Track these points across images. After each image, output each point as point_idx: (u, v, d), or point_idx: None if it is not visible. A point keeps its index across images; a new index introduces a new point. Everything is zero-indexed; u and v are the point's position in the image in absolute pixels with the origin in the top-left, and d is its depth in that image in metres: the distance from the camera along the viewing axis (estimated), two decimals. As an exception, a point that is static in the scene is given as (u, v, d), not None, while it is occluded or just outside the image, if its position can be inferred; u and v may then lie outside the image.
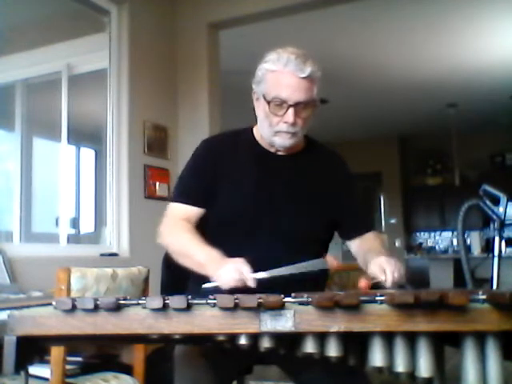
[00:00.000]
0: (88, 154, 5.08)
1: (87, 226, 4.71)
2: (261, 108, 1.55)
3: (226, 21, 4.26)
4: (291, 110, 1.48)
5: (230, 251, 1.41)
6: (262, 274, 1.34)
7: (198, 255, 1.45)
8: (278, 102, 1.49)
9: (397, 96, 7.19)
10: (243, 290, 1.27)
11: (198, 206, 1.58)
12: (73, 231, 4.34)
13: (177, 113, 4.21)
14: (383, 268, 1.40)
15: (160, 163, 3.94)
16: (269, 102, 1.50)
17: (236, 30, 4.41)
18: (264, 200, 1.56)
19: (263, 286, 1.28)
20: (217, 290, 1.28)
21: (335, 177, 1.67)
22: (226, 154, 1.61)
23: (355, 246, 1.68)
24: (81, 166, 4.95)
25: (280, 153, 1.61)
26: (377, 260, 1.44)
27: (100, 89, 3.81)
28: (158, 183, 3.88)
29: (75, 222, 4.43)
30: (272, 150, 1.61)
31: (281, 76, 1.49)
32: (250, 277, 1.31)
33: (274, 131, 1.53)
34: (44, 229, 4.51)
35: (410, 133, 9.33)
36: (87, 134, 4.77)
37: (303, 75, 1.47)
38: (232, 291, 1.25)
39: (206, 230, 1.57)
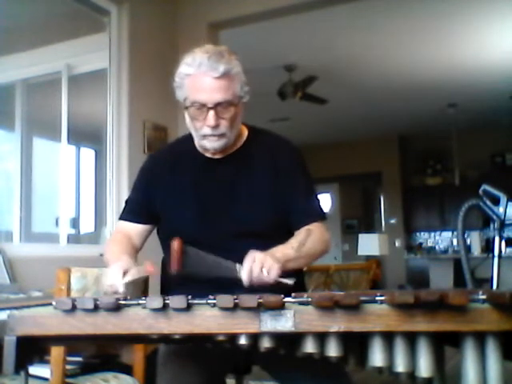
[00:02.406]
0: (88, 154, 5.08)
1: (87, 225, 4.71)
2: (186, 114, 1.51)
3: (226, 21, 4.26)
4: (211, 113, 1.43)
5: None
6: (127, 278, 1.34)
7: (109, 262, 1.49)
8: (197, 106, 1.44)
9: (397, 96, 7.19)
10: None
11: (140, 223, 1.62)
12: (73, 231, 4.34)
13: (177, 113, 4.21)
14: (245, 262, 1.34)
15: (160, 163, 3.94)
16: (188, 107, 1.46)
17: (236, 30, 4.41)
18: (204, 205, 1.55)
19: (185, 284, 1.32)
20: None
21: (278, 167, 1.58)
22: (165, 167, 1.62)
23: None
24: (81, 166, 4.95)
25: (216, 156, 1.56)
26: (248, 254, 1.36)
27: (100, 89, 3.81)
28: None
29: (75, 222, 4.43)
30: (208, 154, 1.57)
31: (196, 79, 1.44)
32: (119, 282, 1.32)
33: (200, 135, 1.50)
34: (44, 229, 4.52)
35: (409, 133, 9.34)
36: (87, 134, 4.77)
37: (217, 75, 1.42)
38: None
39: (164, 241, 1.58)
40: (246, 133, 1.62)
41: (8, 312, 1.09)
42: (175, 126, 4.17)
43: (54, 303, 1.07)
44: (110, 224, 3.67)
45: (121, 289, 1.30)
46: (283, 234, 1.52)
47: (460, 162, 8.46)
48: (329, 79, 6.31)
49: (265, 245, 1.42)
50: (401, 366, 1.01)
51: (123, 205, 1.72)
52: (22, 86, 4.26)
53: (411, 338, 1.02)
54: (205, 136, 1.49)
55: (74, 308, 1.06)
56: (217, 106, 1.44)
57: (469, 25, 5.15)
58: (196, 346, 1.39)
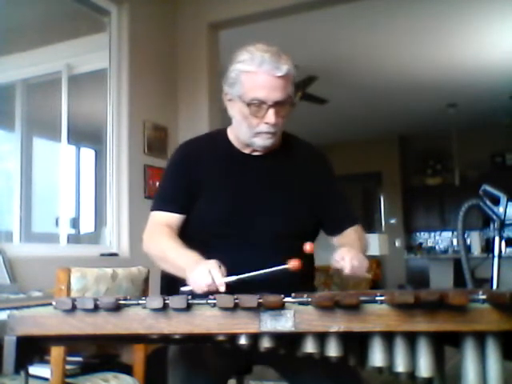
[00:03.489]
0: (88, 154, 5.07)
1: (87, 225, 4.71)
2: (236, 110, 1.52)
3: (226, 21, 4.26)
4: (272, 111, 1.46)
5: (211, 256, 1.39)
6: (230, 278, 1.31)
7: (178, 259, 1.43)
8: (257, 103, 1.46)
9: (397, 96, 7.19)
10: (216, 292, 1.25)
11: (178, 213, 1.56)
12: (73, 231, 4.34)
13: (177, 113, 4.21)
14: (342, 256, 1.40)
15: (160, 163, 3.94)
16: (248, 104, 1.47)
17: (236, 30, 4.41)
18: (241, 202, 1.54)
19: (236, 289, 1.24)
20: (193, 294, 1.24)
21: (314, 172, 1.64)
22: (202, 159, 1.59)
23: (336, 241, 1.66)
24: (81, 166, 4.94)
25: (256, 153, 1.58)
26: (339, 250, 1.44)
27: (100, 89, 3.81)
28: (158, 183, 3.88)
29: (75, 222, 4.43)
30: (247, 151, 1.59)
31: (256, 77, 1.45)
32: (221, 281, 1.28)
33: (254, 132, 1.50)
34: (44, 229, 4.51)
35: (409, 133, 9.34)
36: (87, 134, 4.76)
37: (280, 74, 1.44)
38: (207, 294, 1.22)
39: (186, 234, 1.55)
40: (281, 136, 1.64)
41: (8, 312, 1.09)
42: (175, 125, 4.17)
43: (53, 303, 1.07)
44: (110, 224, 3.67)
45: (223, 288, 1.27)
46: (311, 236, 1.59)
47: (460, 162, 8.46)
48: (329, 79, 6.31)
49: (294, 245, 1.46)
50: (401, 366, 1.01)
51: (154, 196, 1.66)
52: (22, 86, 4.26)
53: (411, 338, 1.02)
54: (259, 133, 1.50)
55: (74, 308, 1.06)
56: (276, 105, 1.46)
57: (469, 25, 5.14)
58: (207, 346, 1.38)
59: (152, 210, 1.60)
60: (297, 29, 4.86)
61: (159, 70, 4.09)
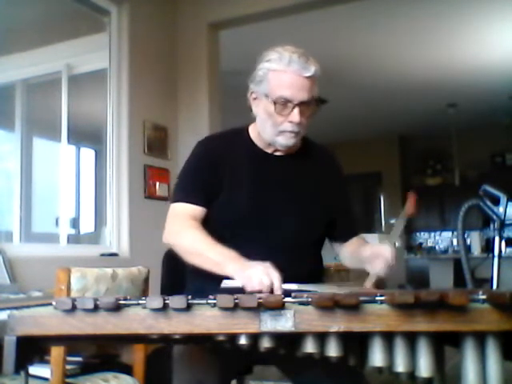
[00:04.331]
0: (88, 154, 5.07)
1: (87, 225, 4.71)
2: (261, 108, 1.54)
3: (226, 21, 4.26)
4: (297, 110, 1.48)
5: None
6: (291, 286, 1.28)
7: (213, 254, 1.41)
8: (283, 101, 1.47)
9: (397, 96, 7.19)
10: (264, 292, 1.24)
11: (201, 206, 1.54)
12: (73, 231, 4.33)
13: (177, 113, 4.21)
14: (378, 252, 1.45)
15: (160, 163, 3.94)
16: (274, 102, 1.48)
17: (236, 30, 4.41)
18: (264, 201, 1.55)
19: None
20: (236, 290, 1.22)
21: (331, 177, 1.68)
22: (224, 155, 1.59)
23: (342, 248, 1.69)
24: (81, 166, 4.94)
25: (277, 153, 1.60)
26: (368, 247, 1.49)
27: (100, 89, 3.81)
28: (158, 183, 3.88)
29: (75, 222, 4.42)
30: (269, 150, 1.60)
31: (284, 75, 1.48)
32: (279, 285, 1.27)
33: (278, 131, 1.52)
34: (44, 229, 4.51)
35: (410, 133, 9.33)
36: (87, 134, 4.76)
37: (308, 74, 1.47)
38: (252, 292, 1.22)
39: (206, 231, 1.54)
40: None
41: (8, 312, 1.09)
42: (175, 126, 4.17)
43: (54, 303, 1.07)
44: (110, 224, 3.67)
45: (279, 292, 1.26)
46: (320, 236, 1.65)
47: (460, 162, 8.46)
48: (329, 79, 6.31)
49: (303, 248, 1.54)
50: (401, 366, 1.01)
51: (175, 189, 1.63)
52: (22, 86, 4.26)
53: (411, 338, 1.02)
54: (282, 132, 1.52)
55: (74, 308, 1.06)
56: (301, 104, 1.48)
57: (469, 25, 5.14)
58: (211, 347, 1.38)
59: (174, 201, 1.58)
60: (297, 29, 4.86)
61: (159, 69, 4.09)
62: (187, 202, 1.55)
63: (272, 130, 1.53)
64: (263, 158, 1.60)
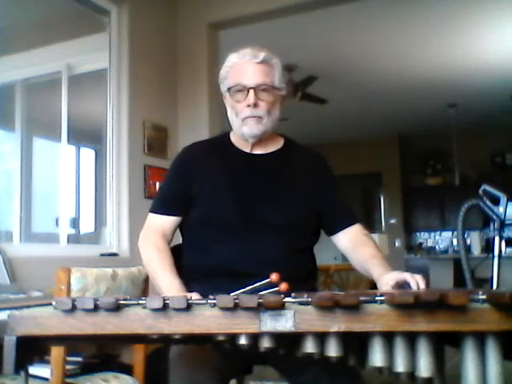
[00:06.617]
0: (88, 154, 5.07)
1: (87, 225, 4.71)
2: (229, 103, 1.61)
3: (226, 21, 4.26)
4: (251, 92, 1.54)
5: (217, 250, 1.50)
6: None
7: (160, 280, 1.51)
8: (239, 87, 1.56)
9: (397, 96, 7.19)
10: None
11: (174, 215, 1.63)
12: (73, 231, 4.33)
13: (177, 113, 4.21)
14: (404, 282, 1.39)
15: (160, 163, 3.94)
16: (230, 89, 1.58)
17: (236, 29, 4.41)
18: (241, 199, 1.58)
19: None
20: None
21: (313, 172, 1.68)
22: (203, 159, 1.65)
23: (343, 242, 1.67)
24: (81, 166, 4.94)
25: (256, 151, 1.64)
26: (389, 276, 1.41)
27: (100, 89, 3.81)
28: (158, 183, 3.88)
29: (75, 222, 4.42)
30: (247, 149, 1.64)
31: (239, 66, 1.58)
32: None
33: (241, 120, 1.57)
34: (44, 229, 4.51)
35: (410, 133, 9.33)
36: (87, 134, 4.76)
37: (258, 60, 1.56)
38: None
39: (192, 229, 1.63)
40: (282, 140, 1.71)
41: (8, 312, 1.09)
42: (175, 126, 4.17)
43: (53, 303, 1.07)
44: (110, 224, 3.67)
45: None
46: (308, 234, 1.65)
47: (460, 162, 8.45)
48: (329, 79, 6.31)
49: (289, 240, 1.55)
50: (401, 366, 1.01)
51: (154, 198, 1.74)
52: (22, 86, 4.26)
53: (411, 338, 1.02)
54: (245, 119, 1.57)
55: (73, 308, 1.06)
56: (257, 88, 1.55)
57: (469, 25, 5.15)
58: (209, 347, 1.39)
59: (150, 211, 1.68)
60: (297, 29, 4.86)
61: (159, 70, 4.09)
62: (159, 213, 1.65)
63: (236, 120, 1.59)
64: (241, 158, 1.64)
